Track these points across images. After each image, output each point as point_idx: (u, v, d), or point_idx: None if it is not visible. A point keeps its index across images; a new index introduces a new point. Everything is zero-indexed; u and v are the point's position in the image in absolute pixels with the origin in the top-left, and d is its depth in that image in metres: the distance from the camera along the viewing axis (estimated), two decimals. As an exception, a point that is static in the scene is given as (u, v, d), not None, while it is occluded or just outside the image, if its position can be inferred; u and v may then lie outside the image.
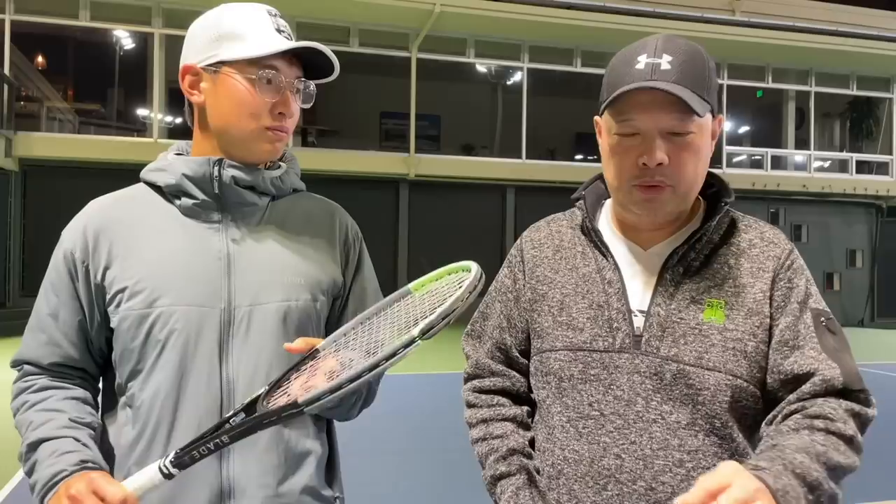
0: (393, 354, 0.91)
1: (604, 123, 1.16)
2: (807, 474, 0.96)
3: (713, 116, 1.13)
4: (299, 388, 1.00)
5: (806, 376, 1.08)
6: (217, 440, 0.97)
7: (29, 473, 1.13)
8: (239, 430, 0.97)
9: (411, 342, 0.91)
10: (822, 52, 16.54)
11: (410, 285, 1.12)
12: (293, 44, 1.18)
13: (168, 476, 0.98)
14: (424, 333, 0.92)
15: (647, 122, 1.08)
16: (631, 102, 1.08)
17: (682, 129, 1.08)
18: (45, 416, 1.15)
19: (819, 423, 1.03)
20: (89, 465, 1.09)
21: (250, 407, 1.02)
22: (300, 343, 1.09)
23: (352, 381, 0.91)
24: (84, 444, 1.13)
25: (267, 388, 1.04)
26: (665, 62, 1.07)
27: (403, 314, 1.07)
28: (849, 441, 1.03)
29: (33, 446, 1.13)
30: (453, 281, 1.04)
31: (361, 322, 1.13)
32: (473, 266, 1.02)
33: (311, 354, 1.10)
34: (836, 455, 1.00)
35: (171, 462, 0.98)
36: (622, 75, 1.10)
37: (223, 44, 1.18)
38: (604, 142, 1.17)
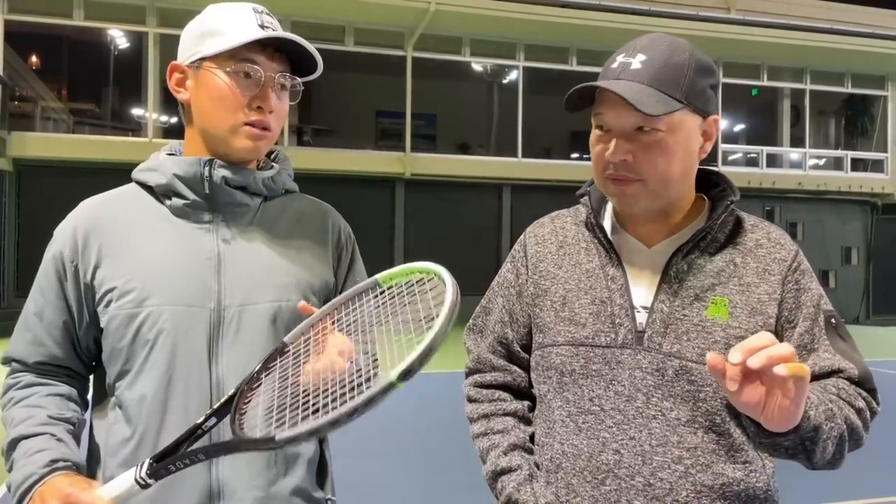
0: (371, 401, 0.88)
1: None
2: (823, 401, 1.02)
3: (703, 117, 1.13)
4: (275, 412, 0.98)
5: (825, 375, 1.12)
6: (193, 456, 0.96)
7: (9, 471, 1.13)
8: (214, 450, 0.97)
9: (390, 387, 0.88)
10: (818, 50, 16.58)
11: (378, 277, 1.09)
12: (267, 33, 1.17)
13: (144, 486, 0.97)
14: (404, 377, 0.88)
15: (613, 119, 1.11)
16: (601, 99, 1.12)
17: (647, 126, 1.09)
18: (25, 413, 1.16)
19: (832, 389, 1.09)
20: (59, 464, 1.09)
21: (223, 409, 1.01)
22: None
23: (332, 424, 0.89)
24: (59, 440, 1.13)
25: (236, 391, 1.02)
26: (637, 61, 1.10)
27: (375, 321, 1.04)
28: (858, 411, 1.08)
29: (12, 444, 1.14)
30: (424, 285, 1.00)
31: (329, 313, 1.10)
32: (447, 280, 0.95)
33: (280, 349, 1.08)
34: (847, 411, 1.06)
35: (146, 474, 0.97)
36: (602, 73, 1.14)
37: (205, 40, 1.19)
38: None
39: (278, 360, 1.07)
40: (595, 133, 1.16)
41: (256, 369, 1.06)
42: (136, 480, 0.97)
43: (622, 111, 1.09)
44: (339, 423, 0.89)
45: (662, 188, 1.14)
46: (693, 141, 1.13)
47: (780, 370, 0.85)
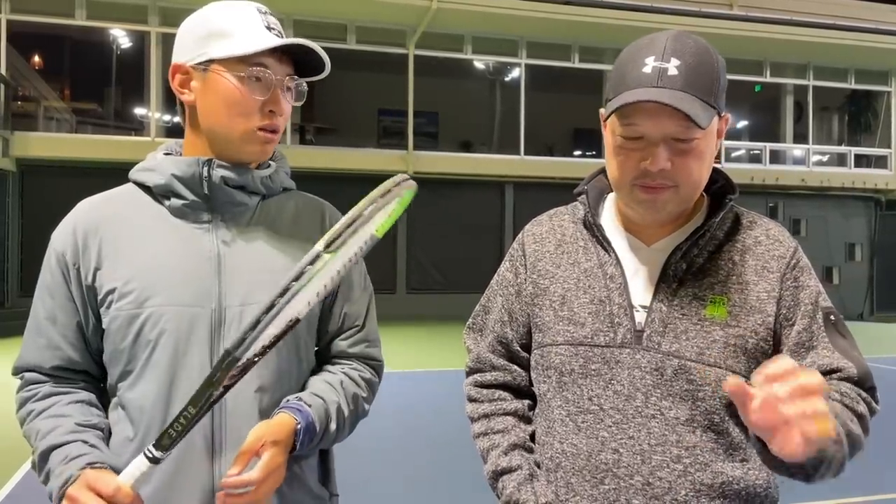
0: (300, 275, 0.89)
1: (609, 122, 1.14)
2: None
3: (719, 116, 1.12)
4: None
5: (823, 374, 1.10)
6: (185, 412, 0.97)
7: (45, 482, 1.12)
8: (199, 393, 0.97)
9: (316, 258, 0.89)
10: (820, 46, 16.52)
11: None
12: (283, 41, 1.16)
13: (153, 460, 0.98)
14: (328, 246, 0.89)
15: (652, 128, 1.07)
16: (636, 107, 1.06)
17: (687, 135, 1.07)
18: (52, 423, 1.14)
19: (836, 395, 1.07)
20: (97, 466, 1.08)
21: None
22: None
23: (267, 311, 0.91)
24: (92, 446, 1.12)
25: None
26: (672, 67, 1.05)
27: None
28: (859, 417, 1.07)
29: (45, 455, 1.12)
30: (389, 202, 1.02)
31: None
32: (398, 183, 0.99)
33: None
34: (850, 423, 1.04)
35: (153, 445, 0.98)
36: (628, 77, 1.08)
37: (212, 41, 1.17)
38: (608, 139, 1.16)
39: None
40: (620, 141, 1.11)
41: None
42: (145, 453, 0.98)
43: (664, 120, 1.05)
44: (273, 307, 0.92)
45: (693, 192, 1.13)
46: (715, 142, 1.13)
47: (809, 429, 0.85)
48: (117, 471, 1.09)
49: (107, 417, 1.22)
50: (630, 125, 1.09)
